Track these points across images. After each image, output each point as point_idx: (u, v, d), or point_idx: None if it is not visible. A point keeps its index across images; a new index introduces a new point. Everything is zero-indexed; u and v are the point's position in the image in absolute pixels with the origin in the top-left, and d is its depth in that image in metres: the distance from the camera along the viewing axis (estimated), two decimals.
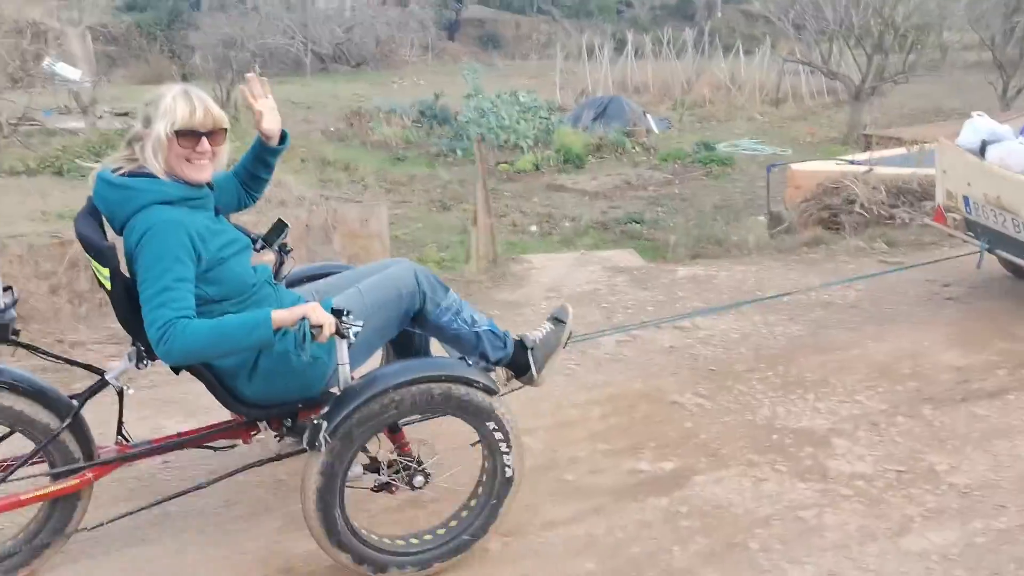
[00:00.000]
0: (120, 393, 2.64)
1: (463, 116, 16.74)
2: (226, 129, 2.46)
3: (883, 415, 3.78)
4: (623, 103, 17.79)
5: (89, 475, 2.56)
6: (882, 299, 4.97)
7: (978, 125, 4.86)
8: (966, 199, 4.82)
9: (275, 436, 2.78)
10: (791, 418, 3.78)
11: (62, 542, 2.62)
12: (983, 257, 4.82)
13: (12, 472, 2.52)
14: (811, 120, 18.26)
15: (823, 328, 4.62)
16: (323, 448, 2.41)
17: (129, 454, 2.65)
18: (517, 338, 2.95)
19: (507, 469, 2.70)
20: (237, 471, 2.69)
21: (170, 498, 2.67)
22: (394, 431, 2.68)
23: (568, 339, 3.05)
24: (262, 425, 2.70)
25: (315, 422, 2.42)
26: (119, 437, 2.66)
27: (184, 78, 24.65)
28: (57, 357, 2.72)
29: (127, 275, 2.42)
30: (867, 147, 12.51)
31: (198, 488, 2.66)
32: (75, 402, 2.57)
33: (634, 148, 16.14)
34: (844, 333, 4.54)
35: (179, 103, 2.37)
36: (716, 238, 8.69)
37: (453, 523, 2.73)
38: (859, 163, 9.67)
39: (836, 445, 3.57)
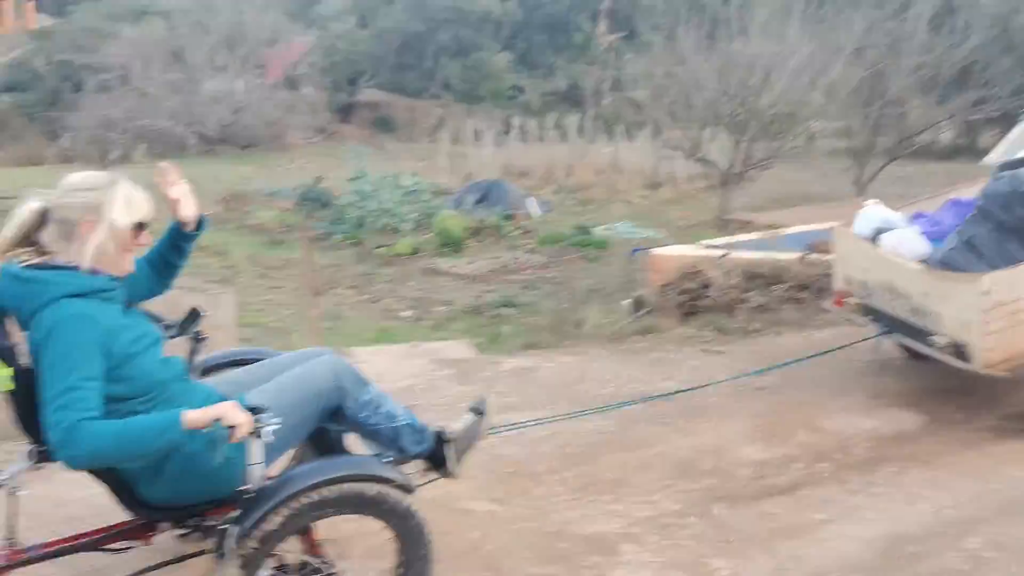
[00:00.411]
0: (12, 494, 2.48)
1: (343, 199, 16.63)
2: None
3: (675, 516, 3.70)
4: (505, 187, 17.99)
5: None
6: (697, 391, 4.96)
7: (871, 213, 5.04)
8: (864, 284, 4.95)
9: (178, 536, 2.67)
10: (584, 523, 3.66)
11: None
12: (880, 341, 4.92)
13: None
14: (686, 204, 18.80)
15: (633, 423, 4.55)
16: (233, 555, 2.31)
17: (19, 560, 2.46)
18: (436, 431, 2.94)
19: None
20: None
21: None
22: (304, 531, 2.59)
23: (488, 431, 3.10)
24: (163, 525, 2.58)
25: (224, 527, 2.33)
26: (8, 541, 2.48)
27: (64, 159, 23.97)
28: None
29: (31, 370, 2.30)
30: (730, 232, 12.90)
31: None
32: None
33: (513, 231, 16.25)
34: (652, 428, 4.48)
35: (138, 194, 2.41)
36: (575, 321, 8.69)
37: None
38: (717, 248, 9.91)
39: (623, 552, 3.45)
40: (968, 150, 21.64)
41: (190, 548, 2.67)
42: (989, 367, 4.30)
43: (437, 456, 2.93)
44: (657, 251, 10.32)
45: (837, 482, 3.98)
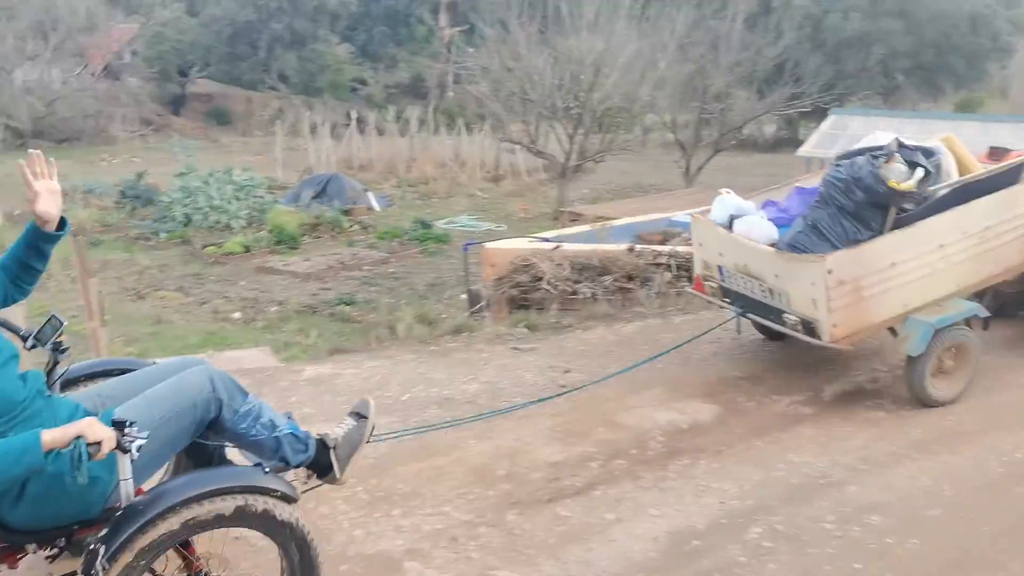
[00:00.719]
0: None
1: (167, 196, 15.71)
2: None
3: (465, 527, 3.57)
4: (343, 180, 17.55)
5: None
6: (502, 391, 4.87)
7: (726, 201, 5.22)
8: (720, 268, 5.13)
9: (46, 558, 2.52)
10: (369, 541, 3.47)
11: None
12: (740, 320, 5.11)
13: None
14: (527, 196, 18.98)
15: (432, 429, 4.39)
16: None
17: None
18: (318, 437, 2.85)
19: None
20: None
21: None
22: (183, 545, 2.50)
23: (371, 434, 2.98)
24: (31, 547, 2.44)
25: (92, 547, 2.23)
26: None
27: None
28: None
29: None
30: (563, 224, 13.04)
31: None
32: None
33: (352, 226, 15.87)
34: (451, 433, 4.34)
35: None
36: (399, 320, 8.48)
37: None
38: (548, 240, 9.92)
39: (407, 570, 3.29)
40: (789, 142, 22.94)
41: (61, 569, 2.52)
42: (835, 341, 4.55)
43: (321, 463, 2.82)
44: (490, 245, 10.24)
45: (631, 479, 3.97)
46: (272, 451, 2.70)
